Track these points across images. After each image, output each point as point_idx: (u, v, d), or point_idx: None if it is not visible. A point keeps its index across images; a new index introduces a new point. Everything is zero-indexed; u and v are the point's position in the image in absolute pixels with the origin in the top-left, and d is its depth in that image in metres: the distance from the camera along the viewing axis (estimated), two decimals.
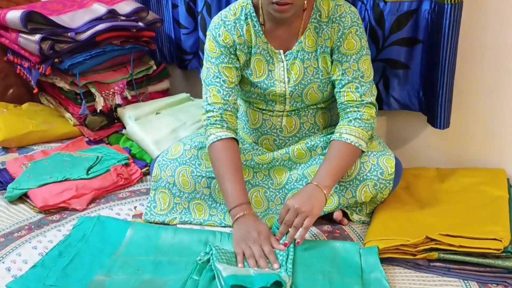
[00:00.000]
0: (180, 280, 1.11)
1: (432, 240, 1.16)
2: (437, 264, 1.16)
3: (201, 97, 2.06)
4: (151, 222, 1.40)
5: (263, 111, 1.44)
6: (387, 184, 1.32)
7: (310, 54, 1.34)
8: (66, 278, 1.13)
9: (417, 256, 1.17)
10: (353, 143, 1.28)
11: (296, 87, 1.35)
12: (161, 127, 1.81)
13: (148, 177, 1.64)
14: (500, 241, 1.12)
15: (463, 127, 1.58)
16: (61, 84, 1.89)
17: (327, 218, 1.38)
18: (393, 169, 1.31)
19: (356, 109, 1.31)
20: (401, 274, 1.17)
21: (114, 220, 1.38)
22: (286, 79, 1.35)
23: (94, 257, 1.21)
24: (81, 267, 1.17)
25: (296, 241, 1.18)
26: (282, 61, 1.35)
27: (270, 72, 1.36)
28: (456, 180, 1.48)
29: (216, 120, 1.33)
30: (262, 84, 1.37)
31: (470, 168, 1.57)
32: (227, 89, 1.34)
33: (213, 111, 1.34)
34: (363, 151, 1.31)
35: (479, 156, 1.58)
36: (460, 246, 1.13)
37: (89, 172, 1.59)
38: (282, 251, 1.16)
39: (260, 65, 1.36)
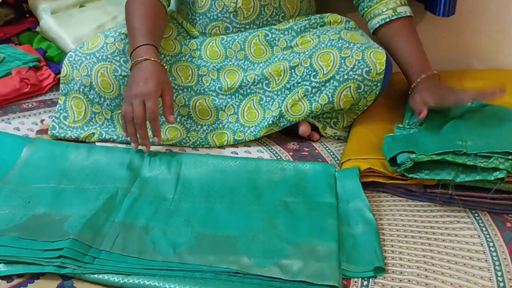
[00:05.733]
0: (85, 216, 0.82)
1: None
2: (435, 190, 0.92)
3: None
4: (60, 139, 1.10)
5: None
6: (374, 87, 1.05)
7: None
8: None
9: (409, 181, 0.93)
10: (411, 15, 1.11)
11: None
12: (85, 21, 1.49)
13: None
14: None
15: (467, 21, 1.32)
16: None
17: (291, 133, 1.13)
18: (383, 67, 1.05)
19: None
20: (388, 203, 0.95)
21: (7, 136, 1.07)
22: None
23: None
24: None
25: None
26: None
27: None
28: (454, 84, 1.20)
29: None
30: None
31: (471, 69, 1.35)
32: None
33: None
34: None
35: (482, 56, 1.36)
36: None
37: None
38: None
39: None
